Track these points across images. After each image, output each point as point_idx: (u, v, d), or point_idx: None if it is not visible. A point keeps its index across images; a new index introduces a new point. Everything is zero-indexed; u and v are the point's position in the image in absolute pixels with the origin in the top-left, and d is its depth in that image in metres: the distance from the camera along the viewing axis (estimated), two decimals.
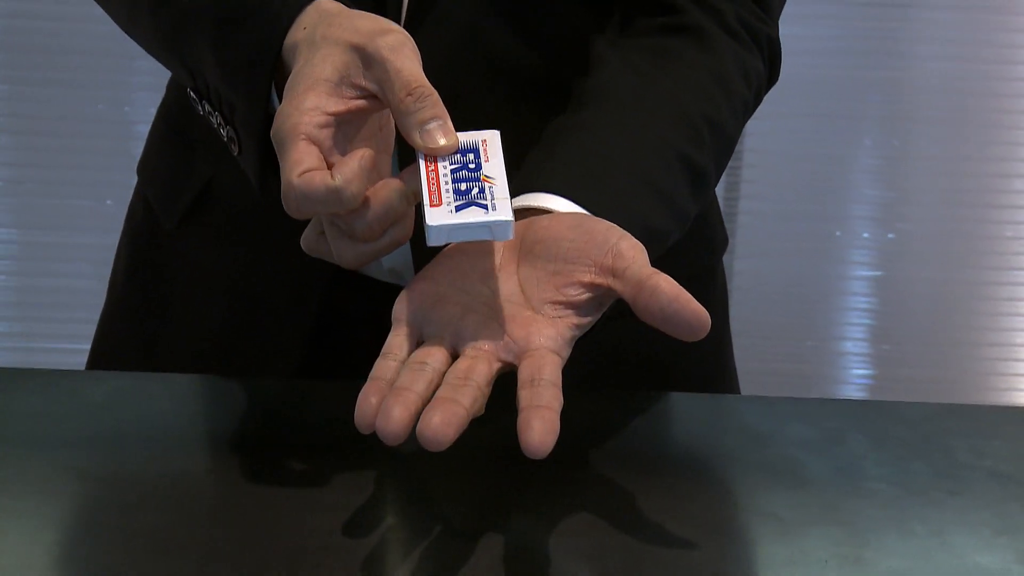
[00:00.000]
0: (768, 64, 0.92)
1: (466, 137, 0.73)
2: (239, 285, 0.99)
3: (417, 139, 0.72)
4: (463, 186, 0.71)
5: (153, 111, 1.07)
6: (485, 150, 0.72)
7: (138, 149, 1.09)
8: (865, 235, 2.29)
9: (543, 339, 0.71)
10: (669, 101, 0.85)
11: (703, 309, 0.70)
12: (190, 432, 0.82)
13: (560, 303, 0.72)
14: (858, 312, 2.32)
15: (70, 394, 0.86)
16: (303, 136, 0.71)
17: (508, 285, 0.73)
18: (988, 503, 0.77)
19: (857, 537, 0.72)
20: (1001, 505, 0.76)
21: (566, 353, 0.71)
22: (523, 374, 0.69)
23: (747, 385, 1.14)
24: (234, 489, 0.74)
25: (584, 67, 0.89)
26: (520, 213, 0.76)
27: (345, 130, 0.73)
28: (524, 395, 0.68)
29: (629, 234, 0.73)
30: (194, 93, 0.84)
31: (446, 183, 0.71)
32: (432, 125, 0.72)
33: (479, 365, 0.70)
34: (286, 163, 0.71)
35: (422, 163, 0.72)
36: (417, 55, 0.73)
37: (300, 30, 0.76)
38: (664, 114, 0.84)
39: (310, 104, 0.72)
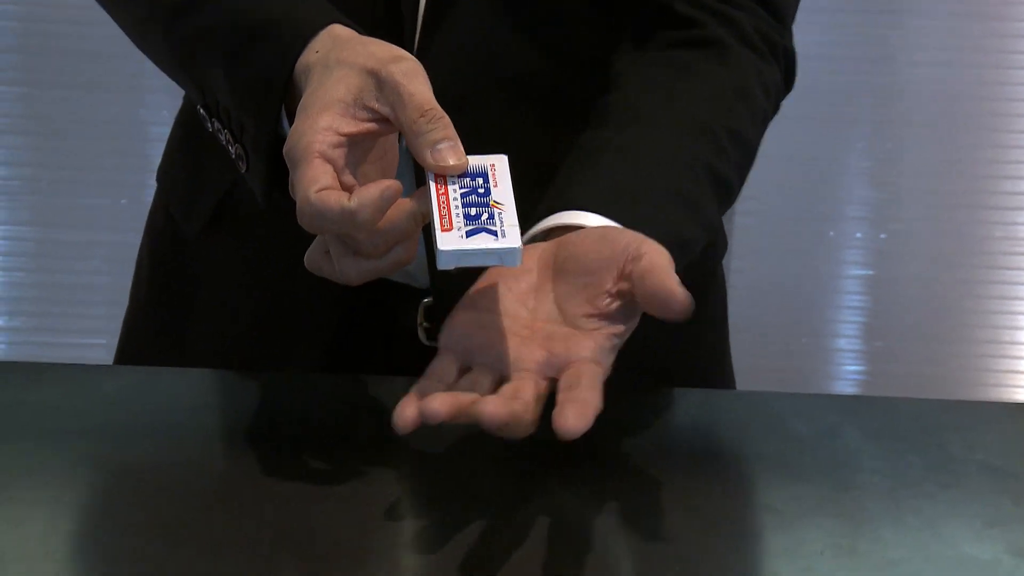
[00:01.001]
0: (784, 74, 0.92)
1: (475, 161, 0.72)
2: (262, 287, 0.98)
3: (428, 158, 0.72)
4: (473, 211, 0.71)
5: (167, 113, 1.07)
6: (494, 175, 0.72)
7: (152, 150, 1.08)
8: (858, 235, 2.29)
9: (583, 351, 0.71)
10: (692, 115, 0.85)
11: (679, 291, 0.70)
12: (205, 424, 0.82)
13: (594, 315, 0.72)
14: (851, 310, 2.31)
15: (88, 387, 0.86)
16: (318, 154, 0.71)
17: (545, 305, 0.73)
18: (980, 495, 0.77)
19: (852, 528, 0.72)
20: (992, 497, 0.76)
21: (607, 362, 0.72)
22: (563, 382, 0.70)
23: (744, 380, 1.13)
24: (247, 480, 0.74)
25: (595, 77, 0.89)
26: (553, 232, 0.77)
27: (355, 152, 0.73)
28: (562, 396, 0.68)
29: (652, 240, 0.73)
30: (203, 110, 0.84)
31: (456, 207, 0.71)
32: (443, 145, 0.72)
33: (526, 384, 0.70)
34: (302, 180, 0.71)
35: (433, 185, 0.71)
36: (428, 81, 0.73)
37: (312, 53, 0.76)
38: (688, 128, 0.84)
39: (324, 124, 0.72)
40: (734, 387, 1.09)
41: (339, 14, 0.79)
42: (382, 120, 0.73)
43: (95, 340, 2.28)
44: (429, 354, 0.95)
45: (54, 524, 0.70)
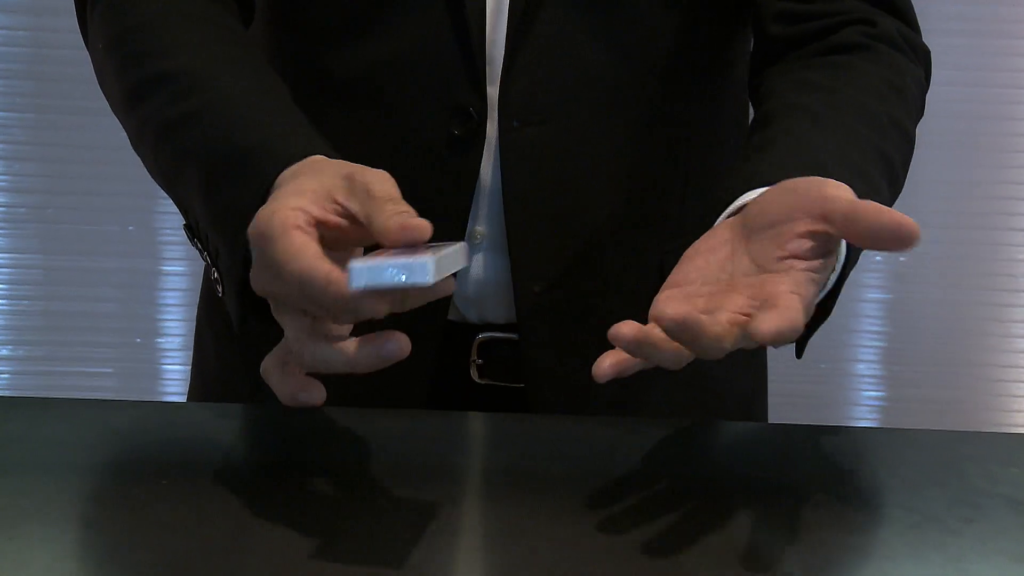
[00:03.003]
0: (925, 73, 0.97)
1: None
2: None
3: (393, 224, 0.70)
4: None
5: None
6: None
7: None
8: (877, 258, 2.28)
9: (780, 286, 0.72)
10: (856, 102, 0.88)
11: (907, 219, 0.71)
12: (220, 461, 0.82)
13: (787, 256, 0.74)
14: (870, 335, 2.31)
15: (94, 422, 0.86)
16: (296, 226, 0.71)
17: (741, 263, 0.75)
18: (1005, 530, 0.76)
19: (873, 564, 0.72)
20: (1018, 532, 0.75)
21: (807, 291, 0.73)
22: (760, 306, 0.71)
23: None
24: (264, 520, 0.73)
25: (680, 85, 0.95)
26: (738, 212, 0.79)
27: (326, 246, 0.73)
28: (757, 312, 0.69)
29: (832, 180, 0.75)
30: (187, 230, 0.85)
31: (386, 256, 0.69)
32: (409, 219, 0.70)
33: (723, 315, 0.71)
34: (289, 250, 0.70)
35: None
36: (396, 185, 0.73)
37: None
38: (854, 112, 0.88)
39: (294, 204, 0.72)
40: (765, 411, 1.10)
41: (321, 143, 0.80)
42: (349, 217, 0.73)
43: (103, 370, 2.28)
44: (479, 391, 0.96)
45: (60, 565, 0.70)
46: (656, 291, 0.87)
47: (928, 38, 0.99)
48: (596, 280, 0.96)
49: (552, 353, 0.95)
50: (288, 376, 0.74)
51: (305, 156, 0.78)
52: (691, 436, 0.89)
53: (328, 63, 0.95)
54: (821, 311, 0.81)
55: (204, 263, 0.90)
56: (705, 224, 0.80)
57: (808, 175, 0.78)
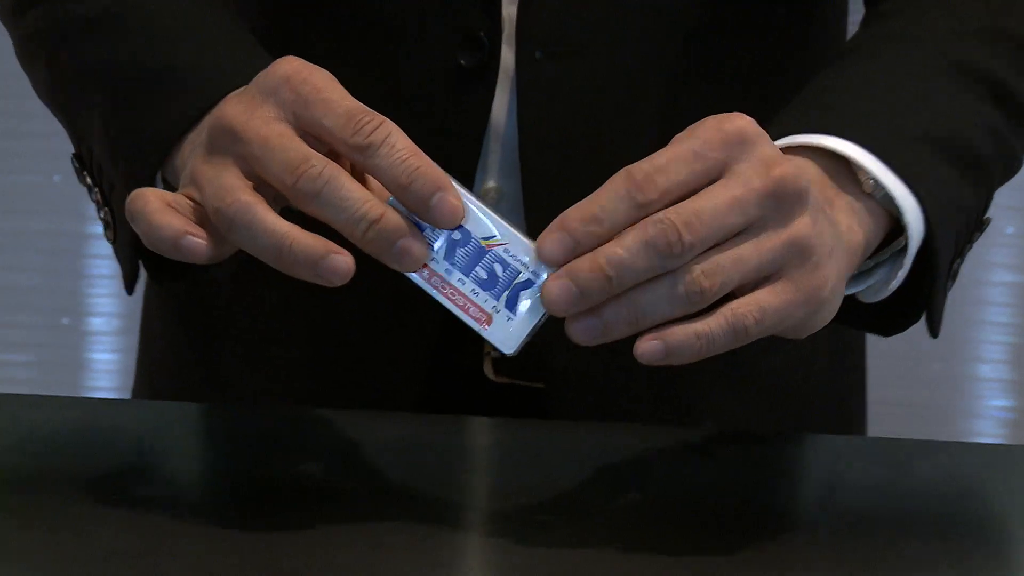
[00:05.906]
0: None
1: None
2: (304, 314, 1.00)
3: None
4: (482, 272, 0.73)
5: None
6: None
7: None
8: (1009, 230, 2.28)
9: None
10: (908, 22, 0.90)
11: None
12: (166, 473, 0.83)
13: None
14: (998, 327, 2.31)
15: (9, 420, 0.87)
16: None
17: None
18: None
19: None
20: None
21: None
22: None
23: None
24: (221, 544, 0.74)
25: (757, 13, 0.96)
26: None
27: None
28: None
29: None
30: (76, 161, 0.87)
31: (463, 283, 0.73)
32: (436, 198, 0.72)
33: None
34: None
35: (424, 285, 0.73)
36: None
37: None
38: (920, 35, 0.89)
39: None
40: (864, 424, 1.11)
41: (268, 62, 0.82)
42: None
43: (19, 357, 2.29)
44: (492, 391, 0.97)
45: None
46: None
47: None
48: None
49: (574, 346, 0.96)
50: (175, 214, 0.74)
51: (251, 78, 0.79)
52: (754, 448, 0.90)
53: None
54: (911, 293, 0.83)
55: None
56: None
57: (858, 120, 0.82)
